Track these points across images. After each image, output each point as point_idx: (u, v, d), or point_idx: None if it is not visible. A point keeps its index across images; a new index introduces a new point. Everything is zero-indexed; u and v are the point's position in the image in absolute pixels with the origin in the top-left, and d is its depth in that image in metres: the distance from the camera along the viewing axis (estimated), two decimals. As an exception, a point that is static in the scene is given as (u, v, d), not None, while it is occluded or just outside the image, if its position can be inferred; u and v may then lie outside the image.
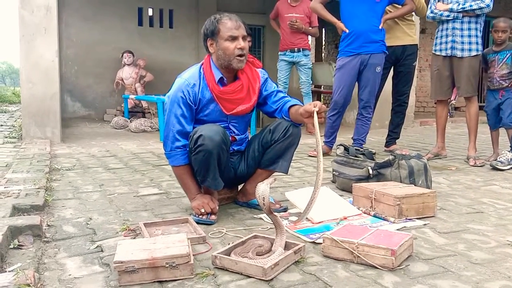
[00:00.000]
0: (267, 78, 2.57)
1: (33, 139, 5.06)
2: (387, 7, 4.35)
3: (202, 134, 2.23)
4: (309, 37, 6.39)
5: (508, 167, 3.83)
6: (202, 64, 2.46)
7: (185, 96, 2.36)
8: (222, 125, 2.42)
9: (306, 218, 2.36)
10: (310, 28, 6.11)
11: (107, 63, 8.46)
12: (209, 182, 2.36)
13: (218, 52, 2.38)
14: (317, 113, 2.15)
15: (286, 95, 2.56)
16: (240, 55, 2.35)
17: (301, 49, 6.11)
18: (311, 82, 6.56)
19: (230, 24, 2.34)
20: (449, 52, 4.14)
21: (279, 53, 6.28)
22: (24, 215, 2.29)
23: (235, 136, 2.55)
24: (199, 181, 2.43)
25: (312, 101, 6.94)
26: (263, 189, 1.84)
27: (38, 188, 2.76)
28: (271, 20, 6.45)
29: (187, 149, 2.38)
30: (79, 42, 8.47)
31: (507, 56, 4.07)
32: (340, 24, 4.31)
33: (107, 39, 8.58)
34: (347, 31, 4.26)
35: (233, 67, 2.38)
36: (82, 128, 6.97)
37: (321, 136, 2.19)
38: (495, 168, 3.81)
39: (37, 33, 5.04)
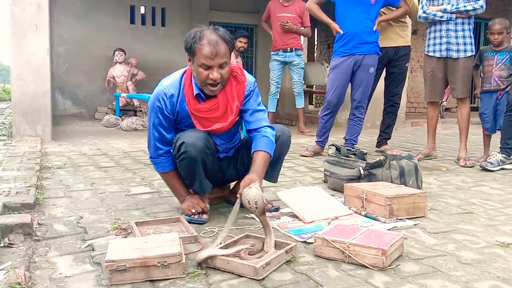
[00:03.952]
0: (252, 91, 2.37)
1: (24, 136, 5.02)
2: (382, 9, 4.38)
3: (185, 141, 2.20)
4: (301, 37, 6.40)
5: (498, 168, 3.85)
6: (184, 73, 2.32)
7: (162, 106, 2.26)
8: None
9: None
10: (302, 28, 6.12)
11: (98, 61, 8.41)
12: (197, 186, 2.37)
13: (194, 72, 2.25)
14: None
15: (261, 123, 2.34)
16: (212, 85, 2.21)
17: (293, 49, 6.11)
18: (304, 82, 6.57)
19: (206, 51, 2.13)
20: (444, 53, 4.14)
21: (272, 53, 6.28)
22: (14, 213, 2.28)
23: (218, 147, 2.45)
24: (187, 185, 2.42)
25: (304, 100, 6.99)
26: (255, 193, 1.84)
27: (28, 186, 2.74)
28: (263, 22, 6.45)
29: (171, 154, 2.35)
30: (70, 40, 8.41)
31: (506, 58, 4.10)
32: (334, 25, 4.33)
33: (99, 37, 8.52)
34: (342, 32, 4.28)
35: (205, 92, 2.26)
36: (73, 126, 6.92)
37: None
38: (485, 169, 3.83)
39: (28, 30, 5.01)
